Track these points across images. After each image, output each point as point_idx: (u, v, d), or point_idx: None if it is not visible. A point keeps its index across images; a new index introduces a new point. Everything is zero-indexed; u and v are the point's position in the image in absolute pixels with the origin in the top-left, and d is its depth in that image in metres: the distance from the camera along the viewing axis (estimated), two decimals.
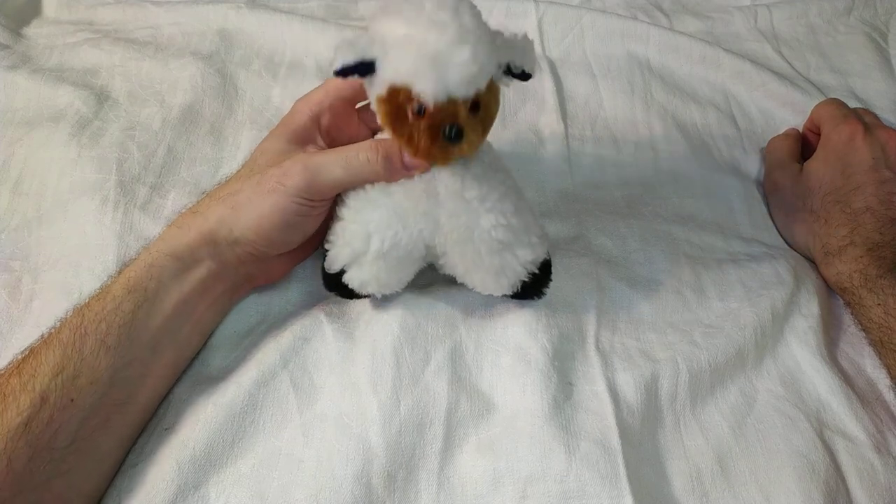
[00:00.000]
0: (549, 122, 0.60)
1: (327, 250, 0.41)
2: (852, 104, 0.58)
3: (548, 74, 0.63)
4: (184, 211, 0.43)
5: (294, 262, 0.46)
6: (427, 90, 0.34)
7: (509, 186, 0.40)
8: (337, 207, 0.40)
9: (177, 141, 0.56)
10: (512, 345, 0.42)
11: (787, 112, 0.62)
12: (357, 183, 0.39)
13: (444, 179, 0.38)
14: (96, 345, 0.36)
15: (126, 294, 0.38)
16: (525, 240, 0.40)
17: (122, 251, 0.47)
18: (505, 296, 0.42)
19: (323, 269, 0.41)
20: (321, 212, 0.41)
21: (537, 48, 0.67)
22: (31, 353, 0.36)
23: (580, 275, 0.47)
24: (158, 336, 0.39)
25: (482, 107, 0.36)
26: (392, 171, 0.38)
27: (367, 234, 0.39)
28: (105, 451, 0.37)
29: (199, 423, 0.39)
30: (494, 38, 0.36)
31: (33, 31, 0.67)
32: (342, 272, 0.40)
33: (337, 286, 0.41)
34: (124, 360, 0.37)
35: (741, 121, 0.63)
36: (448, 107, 0.34)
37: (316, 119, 0.42)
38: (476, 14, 0.35)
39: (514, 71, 0.36)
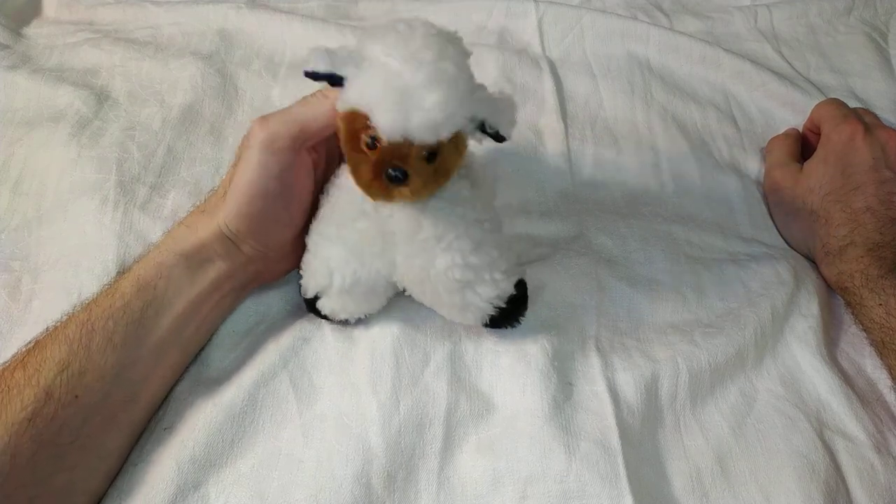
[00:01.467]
0: (549, 122, 0.60)
1: (301, 276, 0.41)
2: (852, 104, 0.58)
3: (548, 74, 0.63)
4: (192, 209, 0.42)
5: (299, 258, 0.45)
6: (384, 125, 0.32)
7: (471, 221, 0.37)
8: (306, 237, 0.40)
9: (177, 141, 0.56)
10: (511, 344, 0.42)
11: (787, 112, 0.62)
12: (317, 121, 0.37)
13: (398, 220, 0.37)
14: (103, 342, 0.36)
15: (135, 292, 0.38)
16: (486, 277, 0.38)
17: (121, 251, 0.47)
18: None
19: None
20: (299, 169, 0.39)
21: (537, 48, 0.67)
22: (37, 346, 0.36)
23: (580, 274, 0.47)
24: (166, 336, 0.39)
25: (439, 157, 0.33)
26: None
27: (328, 270, 0.39)
28: (110, 448, 0.37)
29: (199, 423, 0.39)
30: (474, 91, 0.34)
31: (33, 31, 0.67)
32: (317, 297, 0.41)
33: (314, 310, 0.42)
34: (130, 359, 0.37)
35: (741, 121, 0.63)
36: (400, 147, 0.32)
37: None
38: (461, 60, 0.33)
39: (489, 130, 0.34)
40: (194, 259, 0.39)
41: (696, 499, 0.39)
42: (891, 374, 0.44)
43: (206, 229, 0.40)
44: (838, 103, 0.57)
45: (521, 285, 0.40)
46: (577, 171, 0.57)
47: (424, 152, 0.33)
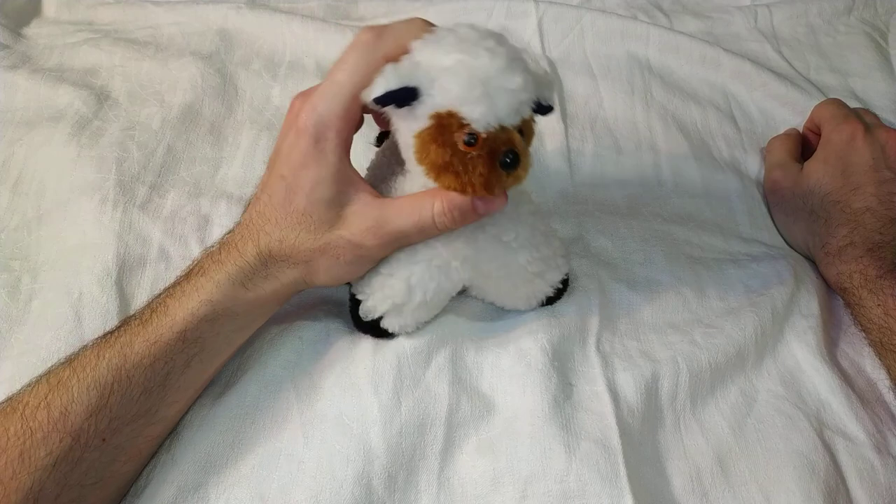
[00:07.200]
0: (549, 121, 0.60)
1: (360, 300, 0.40)
2: (852, 104, 0.58)
3: None
4: (243, 265, 0.37)
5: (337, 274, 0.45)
6: (479, 116, 0.32)
7: (535, 215, 0.41)
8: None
9: (176, 141, 0.56)
10: (512, 346, 0.42)
11: (787, 112, 0.62)
12: (428, 237, 0.37)
13: (483, 226, 0.38)
14: (139, 391, 0.35)
15: (181, 345, 0.36)
16: (553, 264, 0.42)
17: (121, 250, 0.47)
18: None
19: (356, 314, 0.41)
20: None
21: (537, 48, 0.67)
22: (60, 384, 0.34)
23: (580, 276, 0.47)
24: (209, 378, 0.39)
25: (526, 135, 0.34)
26: (465, 220, 0.36)
27: (408, 288, 0.38)
28: (130, 479, 0.37)
29: (199, 423, 0.39)
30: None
31: (33, 31, 0.67)
32: (379, 318, 0.40)
33: (372, 329, 0.41)
34: (167, 402, 0.37)
35: (741, 121, 0.63)
36: (501, 134, 0.33)
37: (349, 143, 0.38)
38: (517, 47, 0.35)
39: (543, 103, 0.35)
40: (247, 317, 0.39)
41: (696, 498, 0.39)
42: (889, 374, 0.44)
43: (272, 293, 0.38)
44: (838, 103, 0.57)
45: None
46: (577, 172, 0.57)
47: (518, 133, 0.34)
